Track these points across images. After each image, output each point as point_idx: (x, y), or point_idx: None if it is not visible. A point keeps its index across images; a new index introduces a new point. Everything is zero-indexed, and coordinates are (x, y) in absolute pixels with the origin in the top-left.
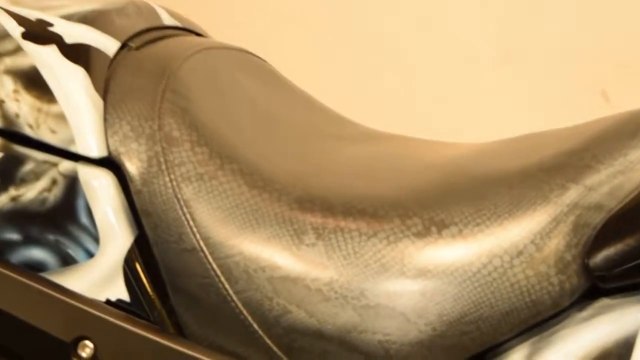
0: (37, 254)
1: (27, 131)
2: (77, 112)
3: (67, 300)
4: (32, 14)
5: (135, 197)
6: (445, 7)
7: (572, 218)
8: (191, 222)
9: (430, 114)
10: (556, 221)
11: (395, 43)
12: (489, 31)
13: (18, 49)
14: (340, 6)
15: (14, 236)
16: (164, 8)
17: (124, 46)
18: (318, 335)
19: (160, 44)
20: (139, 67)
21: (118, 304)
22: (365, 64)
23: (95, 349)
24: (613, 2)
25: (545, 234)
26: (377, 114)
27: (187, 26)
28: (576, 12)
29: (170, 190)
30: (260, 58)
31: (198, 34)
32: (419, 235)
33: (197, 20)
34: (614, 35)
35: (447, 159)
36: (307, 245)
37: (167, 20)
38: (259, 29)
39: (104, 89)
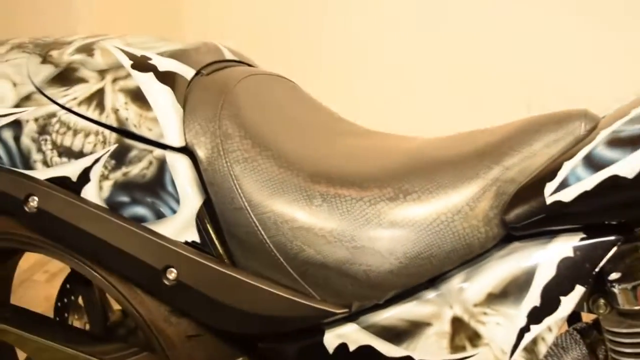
0: (140, 210)
1: (133, 129)
2: (166, 116)
3: (159, 241)
4: (138, 52)
5: (203, 174)
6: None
7: (494, 188)
8: (239, 190)
9: (400, 113)
10: (483, 190)
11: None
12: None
13: (128, 75)
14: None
15: (125, 199)
16: (226, 46)
17: (197, 73)
18: (323, 266)
19: (222, 72)
20: (207, 88)
21: (192, 244)
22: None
23: (178, 274)
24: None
25: (476, 199)
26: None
27: (241, 59)
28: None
29: (226, 169)
30: (290, 80)
31: (249, 65)
32: (391, 199)
33: (249, 53)
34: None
35: (411, 148)
36: (316, 206)
37: (228, 55)
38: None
39: (184, 102)
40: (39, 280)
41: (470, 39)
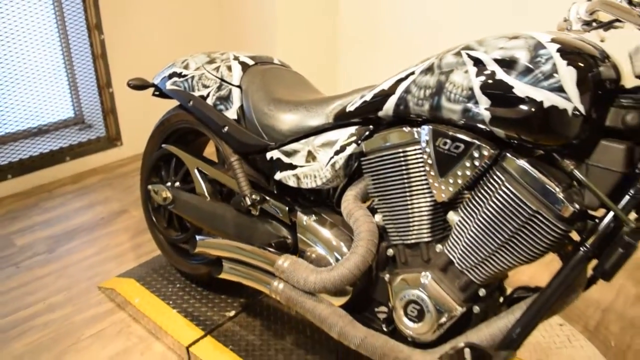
0: (221, 106)
1: (225, 78)
2: (236, 75)
3: (223, 116)
4: (239, 55)
5: (242, 94)
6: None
7: (336, 109)
8: (251, 100)
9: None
10: (331, 110)
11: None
12: None
13: (229, 61)
14: None
15: (218, 103)
16: (278, 59)
17: (255, 64)
18: (269, 127)
19: (267, 65)
20: (256, 69)
21: (234, 120)
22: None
23: (229, 129)
24: None
25: (329, 110)
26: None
27: (282, 64)
28: None
29: (249, 93)
30: (298, 73)
31: (284, 66)
32: (297, 108)
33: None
34: None
35: (321, 97)
36: (271, 107)
37: (276, 62)
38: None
39: (244, 72)
40: None
41: None
